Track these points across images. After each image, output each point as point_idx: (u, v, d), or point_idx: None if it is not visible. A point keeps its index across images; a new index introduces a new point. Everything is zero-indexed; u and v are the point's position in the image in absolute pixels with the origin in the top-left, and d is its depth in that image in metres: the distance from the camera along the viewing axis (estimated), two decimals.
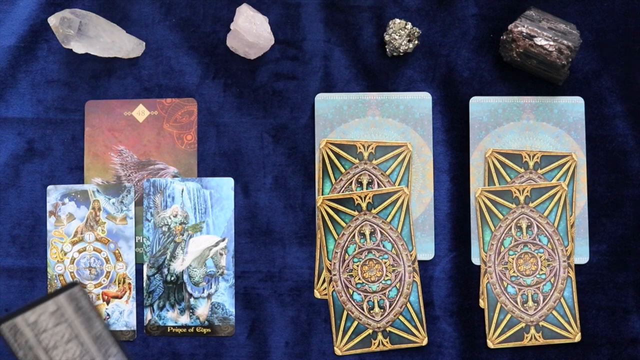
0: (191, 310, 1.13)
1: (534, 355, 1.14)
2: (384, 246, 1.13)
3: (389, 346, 1.13)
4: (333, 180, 1.15)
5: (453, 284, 1.14)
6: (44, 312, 0.95)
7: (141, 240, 1.14)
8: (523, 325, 1.13)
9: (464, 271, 1.14)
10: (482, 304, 1.14)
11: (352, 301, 1.13)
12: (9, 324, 0.95)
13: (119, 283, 1.14)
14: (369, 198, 1.14)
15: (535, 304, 1.13)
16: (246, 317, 1.14)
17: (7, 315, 0.96)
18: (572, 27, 1.13)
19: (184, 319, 1.13)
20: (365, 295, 1.13)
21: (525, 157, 1.15)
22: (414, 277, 1.13)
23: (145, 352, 1.13)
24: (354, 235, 1.13)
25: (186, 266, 1.14)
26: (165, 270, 1.14)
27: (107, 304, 1.14)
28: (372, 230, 1.13)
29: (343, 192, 1.14)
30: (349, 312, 1.13)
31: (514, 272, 1.13)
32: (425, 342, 1.13)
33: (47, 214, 1.14)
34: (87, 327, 0.97)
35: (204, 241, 1.14)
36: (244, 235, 1.14)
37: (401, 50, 1.15)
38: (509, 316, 1.13)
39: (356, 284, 1.13)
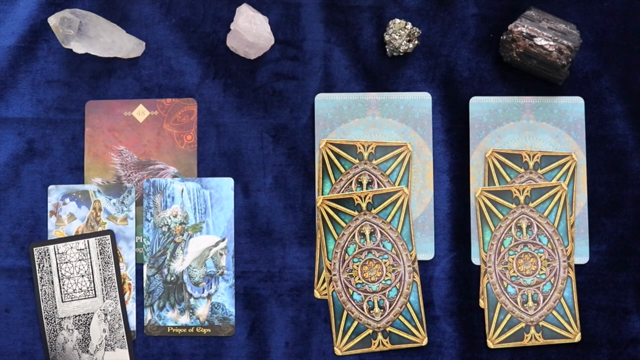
0: (191, 311, 1.13)
1: (534, 355, 1.14)
2: (384, 246, 1.13)
3: (389, 346, 1.13)
4: (333, 180, 1.15)
5: (453, 284, 1.14)
6: (73, 247, 1.11)
7: (141, 241, 1.14)
8: (523, 325, 1.13)
9: (464, 271, 1.14)
10: (482, 304, 1.14)
11: (352, 301, 1.13)
12: (41, 248, 1.11)
13: None
14: (369, 198, 1.14)
15: (535, 304, 1.13)
16: (246, 317, 1.14)
17: (42, 242, 1.12)
18: (572, 27, 1.13)
19: (184, 319, 1.13)
20: (365, 295, 1.13)
21: (525, 157, 1.15)
22: (414, 277, 1.14)
23: (145, 352, 1.13)
24: (354, 235, 1.13)
25: (186, 266, 1.14)
26: (165, 271, 1.14)
27: None
28: (372, 230, 1.13)
29: (343, 192, 1.14)
30: (349, 312, 1.13)
31: (514, 272, 1.13)
32: (425, 342, 1.13)
33: (48, 214, 1.14)
34: (102, 268, 1.11)
35: (204, 241, 1.14)
36: (244, 235, 1.14)
37: (401, 50, 1.15)
38: (509, 316, 1.13)
39: (356, 284, 1.13)
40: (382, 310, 1.13)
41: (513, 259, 1.14)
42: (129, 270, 1.14)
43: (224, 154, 1.15)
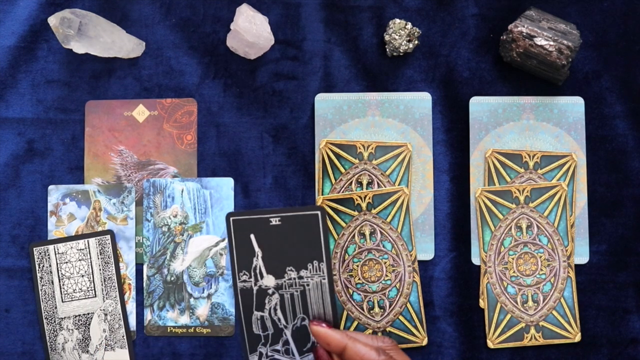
0: (191, 311, 1.13)
1: (534, 355, 1.14)
2: (383, 246, 1.13)
3: None
4: (333, 180, 1.15)
5: (453, 284, 1.14)
6: (73, 247, 1.11)
7: (141, 240, 1.14)
8: (523, 325, 1.13)
9: (464, 271, 1.14)
10: (482, 304, 1.14)
11: (352, 301, 1.13)
12: (41, 248, 1.11)
13: None
14: (369, 198, 1.14)
15: (535, 304, 1.13)
16: None
17: (42, 242, 1.12)
18: (572, 27, 1.13)
19: (184, 319, 1.13)
20: (365, 296, 1.13)
21: (525, 157, 1.15)
22: (414, 277, 1.14)
23: (146, 352, 1.13)
24: (354, 235, 1.13)
25: (186, 266, 1.14)
26: (165, 271, 1.14)
27: None
28: (372, 230, 1.13)
29: (343, 192, 1.14)
30: (349, 312, 1.13)
31: (514, 272, 1.13)
32: (425, 342, 1.13)
33: (48, 214, 1.14)
34: (102, 268, 1.11)
35: (204, 241, 1.14)
36: None
37: (401, 50, 1.15)
38: (509, 316, 1.13)
39: (356, 284, 1.13)
40: (382, 310, 1.13)
41: (513, 259, 1.14)
42: (129, 270, 1.14)
43: (224, 154, 1.15)
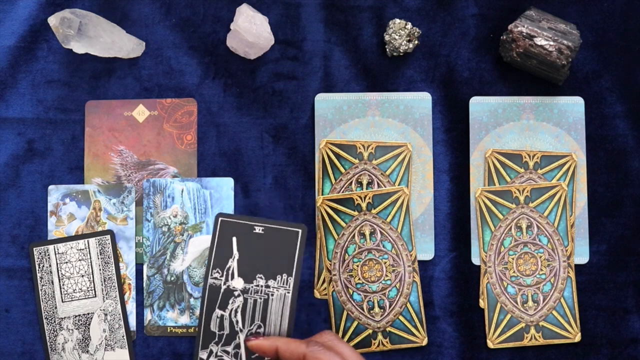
0: (191, 311, 1.13)
1: (534, 355, 1.14)
2: (383, 246, 1.13)
3: (389, 346, 1.13)
4: (333, 180, 1.15)
5: (453, 284, 1.14)
6: (73, 247, 1.12)
7: (141, 241, 1.14)
8: (523, 325, 1.13)
9: (464, 271, 1.14)
10: (482, 304, 1.14)
11: (352, 301, 1.13)
12: (41, 248, 1.11)
13: None
14: (369, 198, 1.14)
15: (535, 304, 1.13)
16: None
17: (42, 242, 1.13)
18: (572, 27, 1.13)
19: (184, 319, 1.13)
20: (365, 296, 1.13)
21: (525, 157, 1.15)
22: (413, 277, 1.14)
23: (145, 352, 1.13)
24: (354, 235, 1.13)
25: (186, 266, 1.14)
26: (165, 271, 1.14)
27: None
28: (372, 230, 1.13)
29: (343, 192, 1.14)
30: (349, 312, 1.13)
31: (514, 272, 1.13)
32: (425, 342, 1.13)
33: (48, 214, 1.14)
34: (102, 268, 1.12)
35: (204, 241, 1.14)
36: None
37: (401, 50, 1.15)
38: (509, 316, 1.13)
39: (356, 284, 1.13)
40: (382, 310, 1.13)
41: (513, 259, 1.14)
42: (129, 270, 1.14)
43: (224, 154, 1.15)
